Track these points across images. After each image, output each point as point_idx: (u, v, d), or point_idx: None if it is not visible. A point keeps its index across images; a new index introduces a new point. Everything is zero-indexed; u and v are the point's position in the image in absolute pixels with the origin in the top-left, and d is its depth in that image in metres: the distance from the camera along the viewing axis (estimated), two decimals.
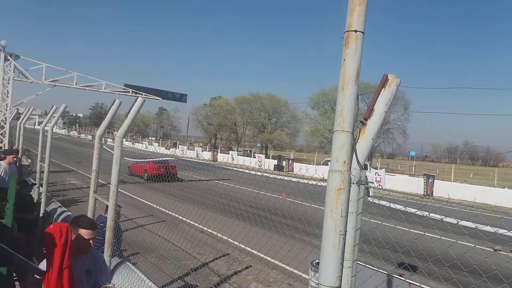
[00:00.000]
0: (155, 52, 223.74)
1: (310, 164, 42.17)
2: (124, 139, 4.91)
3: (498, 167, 76.12)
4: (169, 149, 58.65)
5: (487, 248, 10.83)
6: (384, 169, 34.66)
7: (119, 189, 4.74)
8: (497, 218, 8.96)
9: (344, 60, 2.14)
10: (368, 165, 38.33)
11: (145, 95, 24.09)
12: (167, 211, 13.68)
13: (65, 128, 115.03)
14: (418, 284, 5.33)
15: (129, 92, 24.68)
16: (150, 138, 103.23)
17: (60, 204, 8.45)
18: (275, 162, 42.65)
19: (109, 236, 4.64)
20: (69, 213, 7.55)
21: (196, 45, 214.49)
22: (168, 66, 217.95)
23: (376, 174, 30.35)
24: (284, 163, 40.87)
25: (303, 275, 7.91)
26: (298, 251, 6.71)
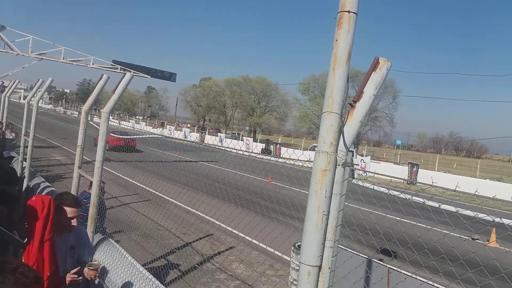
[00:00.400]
0: (145, 30, 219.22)
1: (298, 149, 42.30)
2: (110, 117, 4.83)
3: (482, 158, 77.82)
4: (156, 128, 58.22)
5: (465, 237, 11.15)
6: (369, 156, 35.12)
7: (104, 167, 4.69)
8: (476, 206, 9.21)
9: (336, 40, 2.12)
10: (354, 152, 38.73)
11: (133, 72, 23.76)
12: (153, 191, 13.65)
13: (51, 103, 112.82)
14: (396, 269, 5.46)
15: (117, 68, 24.28)
16: (137, 117, 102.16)
17: (43, 179, 8.33)
18: (263, 145, 42.76)
19: (93, 212, 4.61)
20: (53, 188, 7.46)
21: (188, 25, 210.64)
22: (158, 44, 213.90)
23: (362, 161, 30.75)
24: (271, 147, 41.02)
25: (284, 256, 8.03)
26: (281, 233, 6.80)
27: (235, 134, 62.39)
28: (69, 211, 3.13)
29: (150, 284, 3.69)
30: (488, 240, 11.23)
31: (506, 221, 8.43)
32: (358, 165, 27.81)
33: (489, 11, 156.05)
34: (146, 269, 4.07)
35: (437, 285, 4.80)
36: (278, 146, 40.59)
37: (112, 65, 24.56)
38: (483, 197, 1.87)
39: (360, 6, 2.14)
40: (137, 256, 6.81)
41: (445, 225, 10.94)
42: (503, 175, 38.71)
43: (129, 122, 69.14)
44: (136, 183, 14.75)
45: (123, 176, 15.79)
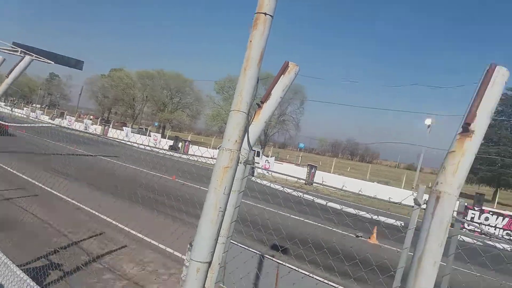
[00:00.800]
0: (51, 13, 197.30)
1: (207, 148, 42.22)
2: (2, 103, 4.26)
3: (373, 163, 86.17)
4: (54, 120, 52.84)
5: (351, 234, 12.23)
6: (274, 157, 36.52)
7: None
8: (362, 206, 10.14)
9: (251, 41, 2.13)
10: (261, 152, 39.98)
11: (35, 56, 21.23)
12: (41, 185, 12.37)
13: None
14: (283, 263, 5.77)
15: (17, 51, 21.51)
16: (34, 105, 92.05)
17: None
18: (171, 142, 41.73)
19: None
20: None
21: (104, 16, 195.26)
22: (70, 32, 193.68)
23: (266, 161, 31.87)
24: (180, 144, 40.24)
25: (177, 253, 7.90)
26: (175, 229, 6.69)
27: (143, 129, 59.86)
28: None
29: (24, 286, 3.32)
30: (369, 237, 12.47)
31: (382, 218, 9.51)
32: (259, 163, 28.72)
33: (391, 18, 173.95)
34: (22, 270, 3.65)
35: (316, 277, 5.19)
36: (187, 143, 39.99)
37: (12, 47, 21.67)
38: (364, 196, 2.05)
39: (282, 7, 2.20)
40: (14, 256, 6.10)
41: (330, 222, 11.90)
42: (390, 179, 43.29)
43: (24, 109, 62.07)
44: (22, 176, 13.23)
45: (8, 169, 14.07)
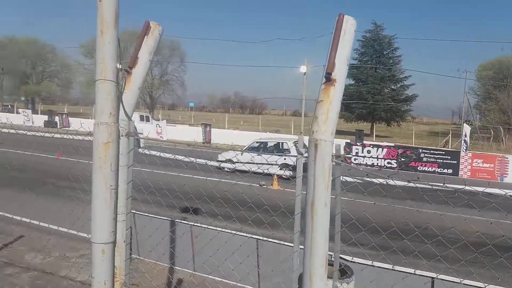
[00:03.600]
0: None
1: (89, 118, 38.95)
2: None
3: (262, 114, 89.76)
4: None
5: (254, 184, 12.90)
6: (165, 120, 35.52)
7: None
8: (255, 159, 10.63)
9: (100, 1, 1.93)
10: (150, 116, 38.43)
11: None
12: None
13: None
14: (194, 223, 5.87)
15: None
16: None
17: None
18: (46, 117, 37.39)
19: None
20: None
21: None
22: None
23: (157, 125, 30.85)
24: (57, 118, 36.34)
25: (81, 233, 7.49)
26: (73, 209, 6.26)
27: (8, 106, 52.27)
28: None
29: None
30: (271, 184, 13.40)
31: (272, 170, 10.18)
32: (142, 133, 27.61)
33: None
34: None
35: (231, 232, 5.41)
36: (64, 116, 36.30)
37: None
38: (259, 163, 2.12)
39: None
40: None
41: (235, 176, 12.36)
42: (279, 127, 45.83)
43: None
44: None
45: None
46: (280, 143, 17.10)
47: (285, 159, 14.24)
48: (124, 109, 2.23)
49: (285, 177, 13.51)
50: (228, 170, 14.73)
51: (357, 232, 4.57)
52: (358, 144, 22.50)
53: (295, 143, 15.43)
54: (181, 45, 58.66)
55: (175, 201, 6.70)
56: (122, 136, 2.27)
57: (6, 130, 19.17)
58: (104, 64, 2.00)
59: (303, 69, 34.26)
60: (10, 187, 9.72)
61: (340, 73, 1.86)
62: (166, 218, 5.91)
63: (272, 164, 13.14)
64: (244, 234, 5.37)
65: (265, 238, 5.25)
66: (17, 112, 40.56)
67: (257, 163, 10.48)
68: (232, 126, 42.11)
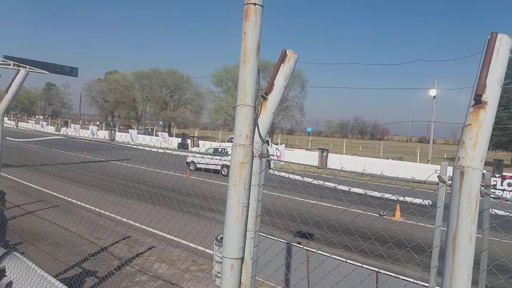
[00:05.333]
0: (39, 21, 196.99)
1: (215, 141, 42.33)
2: (6, 118, 4.30)
3: (384, 140, 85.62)
4: (59, 131, 53.09)
5: (374, 214, 12.25)
6: (283, 144, 36.49)
7: (2, 173, 4.18)
8: (382, 186, 10.14)
9: (245, 33, 2.12)
10: (270, 141, 39.95)
11: (29, 68, 21.32)
12: (59, 195, 12.57)
13: None
14: (314, 250, 5.78)
15: (10, 64, 21.64)
16: (37, 116, 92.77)
17: None
18: (179, 140, 41.86)
19: None
20: None
21: (87, 13, 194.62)
22: (56, 37, 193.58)
23: (277, 149, 31.81)
24: (188, 141, 40.35)
25: (207, 250, 8.01)
26: (202, 227, 6.75)
27: (148, 129, 60.09)
28: None
29: None
30: (393, 215, 12.51)
31: (408, 198, 9.50)
32: (274, 154, 28.84)
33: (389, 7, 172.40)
34: (58, 280, 3.74)
35: (353, 263, 5.18)
36: (195, 139, 40.08)
37: (3, 61, 21.75)
38: (388, 178, 2.05)
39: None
40: (48, 267, 6.25)
41: (355, 205, 11.90)
42: (403, 154, 43.08)
43: (28, 123, 62.53)
44: (40, 188, 13.45)
45: (25, 182, 14.28)
46: (225, 149, 23.11)
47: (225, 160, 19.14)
48: (259, 132, 2.38)
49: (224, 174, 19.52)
50: (193, 169, 22.32)
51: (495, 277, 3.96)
52: (497, 175, 19.74)
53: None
54: (302, 72, 60.25)
55: (294, 226, 6.76)
56: (255, 157, 2.41)
57: (148, 149, 21.92)
58: (245, 91, 2.17)
59: (432, 92, 31.86)
60: (144, 201, 10.99)
61: (492, 96, 1.69)
62: (287, 242, 5.97)
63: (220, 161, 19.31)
64: (368, 267, 5.09)
65: (389, 273, 4.88)
66: (156, 135, 46.17)
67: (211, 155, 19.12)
68: (350, 152, 41.05)
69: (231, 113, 57.94)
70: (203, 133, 65.80)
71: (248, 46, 2.12)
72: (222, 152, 23.09)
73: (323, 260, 5.28)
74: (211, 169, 21.58)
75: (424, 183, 1.97)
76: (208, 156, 20.64)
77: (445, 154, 52.42)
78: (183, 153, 21.79)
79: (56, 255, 7.50)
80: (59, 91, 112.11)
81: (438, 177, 1.83)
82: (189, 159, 23.30)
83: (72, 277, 6.12)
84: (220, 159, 20.43)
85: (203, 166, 22.12)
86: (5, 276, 2.95)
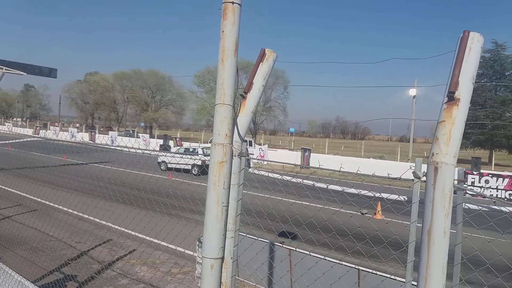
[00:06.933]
0: (16, 20, 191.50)
1: (198, 142, 42.10)
2: None
3: (365, 139, 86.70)
4: (38, 133, 51.80)
5: (354, 212, 12.38)
6: (267, 144, 36.56)
7: None
8: (360, 184, 10.27)
9: (223, 32, 2.12)
10: (253, 141, 39.96)
11: (6, 69, 20.73)
12: (38, 199, 12.27)
13: None
14: (294, 248, 5.81)
15: None
16: (15, 119, 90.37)
17: None
18: (161, 142, 41.41)
19: None
20: None
21: (64, 12, 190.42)
22: (33, 37, 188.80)
23: (260, 149, 31.87)
24: (171, 142, 39.97)
25: (187, 251, 7.96)
26: (181, 228, 6.69)
27: (130, 131, 59.26)
28: None
29: None
30: (374, 213, 12.63)
31: (384, 195, 9.68)
32: (253, 154, 28.85)
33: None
34: (37, 286, 3.65)
35: (332, 260, 5.23)
36: (178, 140, 39.74)
37: None
38: (364, 175, 2.07)
39: None
40: (26, 273, 6.08)
41: (334, 203, 11.99)
42: (383, 153, 43.72)
43: (5, 125, 60.86)
44: (18, 192, 13.10)
45: (1, 186, 13.91)
46: (194, 148, 24.42)
47: (194, 160, 20.95)
48: (238, 131, 2.37)
49: (194, 173, 20.33)
50: (164, 169, 22.48)
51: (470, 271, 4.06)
52: (475, 173, 20.22)
53: (204, 148, 22.93)
54: (285, 73, 60.51)
55: (274, 225, 6.77)
56: (235, 156, 2.40)
57: (127, 150, 21.62)
58: (223, 90, 2.17)
59: (412, 92, 32.50)
60: (124, 204, 10.85)
61: (464, 93, 1.73)
62: (267, 241, 5.98)
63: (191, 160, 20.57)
64: (347, 264, 5.15)
65: (368, 269, 4.95)
66: (137, 137, 45.57)
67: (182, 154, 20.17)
68: (332, 152, 41.45)
69: (214, 114, 57.65)
70: (186, 134, 65.38)
71: (226, 45, 2.12)
72: (192, 152, 23.63)
73: (302, 257, 5.31)
74: (182, 168, 22.05)
75: (399, 180, 2.00)
76: (178, 156, 21.38)
77: (425, 152, 53.47)
78: (159, 153, 21.97)
79: (34, 260, 7.31)
80: (37, 93, 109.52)
81: (412, 173, 1.86)
82: (160, 159, 23.45)
83: (51, 283, 5.98)
84: (191, 158, 21.32)
85: (174, 165, 22.32)
86: None
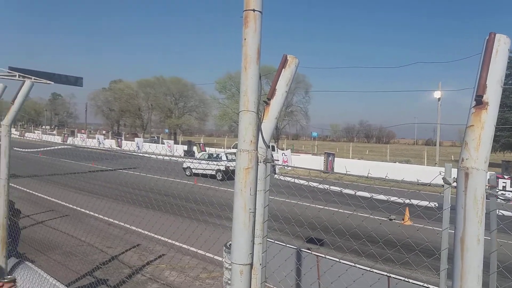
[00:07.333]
0: (44, 32, 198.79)
1: (221, 148, 42.42)
2: (13, 129, 4.37)
3: (390, 143, 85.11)
4: (66, 140, 53.47)
5: (383, 218, 12.16)
6: (289, 149, 36.44)
7: (11, 184, 4.24)
8: (389, 189, 10.07)
9: (245, 39, 2.14)
10: (275, 146, 39.92)
11: (34, 79, 21.61)
12: (69, 205, 12.67)
13: None
14: (323, 255, 5.76)
15: (15, 75, 21.93)
16: (44, 127, 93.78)
17: None
18: (185, 147, 41.98)
19: (3, 235, 4.13)
20: None
21: (89, 23, 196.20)
22: (60, 47, 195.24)
23: (283, 154, 31.77)
24: (194, 148, 40.46)
25: (216, 257, 8.01)
26: (209, 234, 6.76)
27: (154, 137, 60.34)
28: None
29: None
30: (403, 219, 12.35)
31: (414, 201, 9.45)
32: (279, 160, 28.78)
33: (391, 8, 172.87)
34: None
35: (362, 267, 5.14)
36: (202, 145, 40.18)
37: (8, 72, 22.04)
38: (392, 181, 2.05)
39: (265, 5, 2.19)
40: (60, 277, 6.27)
41: (362, 209, 11.76)
42: (409, 157, 42.80)
43: (35, 133, 63.15)
44: (50, 198, 13.57)
45: (34, 192, 14.42)
46: (218, 154, 25.36)
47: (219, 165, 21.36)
48: (262, 137, 2.39)
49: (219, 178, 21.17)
50: (189, 174, 22.95)
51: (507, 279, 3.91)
52: (506, 177, 19.49)
53: (228, 154, 23.95)
54: (306, 78, 60.34)
55: (302, 231, 6.71)
56: (260, 162, 2.42)
57: (154, 157, 21.99)
58: (247, 97, 2.19)
59: (437, 94, 31.73)
60: (153, 209, 11.03)
61: (493, 96, 1.68)
62: (295, 247, 5.95)
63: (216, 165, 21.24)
64: (377, 271, 5.04)
65: (400, 277, 4.84)
66: (162, 143, 46.34)
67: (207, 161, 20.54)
68: (357, 156, 40.87)
69: (236, 119, 57.97)
70: (209, 140, 66.00)
71: (249, 52, 2.14)
72: (217, 157, 24.06)
73: (332, 265, 5.24)
74: (208, 174, 22.43)
75: (429, 185, 1.96)
76: (205, 162, 21.96)
77: (452, 156, 52.01)
78: (182, 159, 22.33)
79: (67, 264, 7.55)
80: (64, 101, 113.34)
81: (443, 178, 1.83)
82: (185, 165, 23.89)
83: (84, 286, 6.16)
84: (216, 165, 21.75)
85: (199, 171, 22.77)
86: (16, 286, 2.98)
